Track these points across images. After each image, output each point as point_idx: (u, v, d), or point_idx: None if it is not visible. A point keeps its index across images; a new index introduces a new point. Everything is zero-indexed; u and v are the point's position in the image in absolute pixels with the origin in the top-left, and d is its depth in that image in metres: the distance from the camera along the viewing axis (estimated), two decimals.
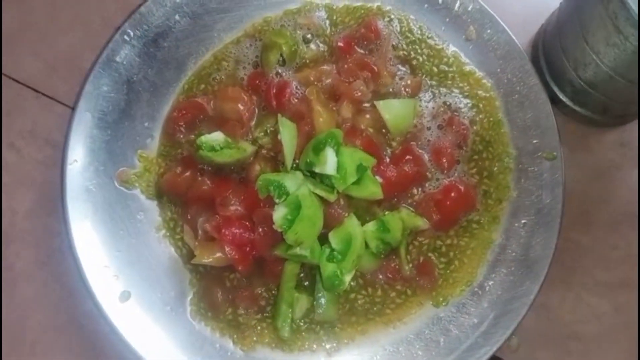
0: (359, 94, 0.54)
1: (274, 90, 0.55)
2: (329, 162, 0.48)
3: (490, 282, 0.52)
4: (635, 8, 0.41)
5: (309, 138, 0.51)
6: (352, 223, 0.50)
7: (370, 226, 0.51)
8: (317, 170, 0.49)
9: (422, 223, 0.52)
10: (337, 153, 0.49)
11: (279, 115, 0.51)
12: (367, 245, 0.50)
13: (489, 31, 0.56)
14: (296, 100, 0.54)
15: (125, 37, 0.54)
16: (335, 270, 0.48)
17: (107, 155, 0.52)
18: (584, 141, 0.59)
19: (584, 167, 0.58)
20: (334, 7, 0.58)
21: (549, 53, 0.56)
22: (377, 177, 0.52)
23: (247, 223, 0.50)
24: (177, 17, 0.56)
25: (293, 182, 0.49)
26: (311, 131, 0.51)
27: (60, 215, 0.49)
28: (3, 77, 0.58)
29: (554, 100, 0.56)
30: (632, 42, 0.43)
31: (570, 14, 0.51)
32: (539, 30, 0.59)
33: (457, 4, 0.57)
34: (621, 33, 0.44)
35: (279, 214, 0.47)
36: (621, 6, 0.42)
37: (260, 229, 0.49)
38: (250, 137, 0.54)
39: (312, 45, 0.58)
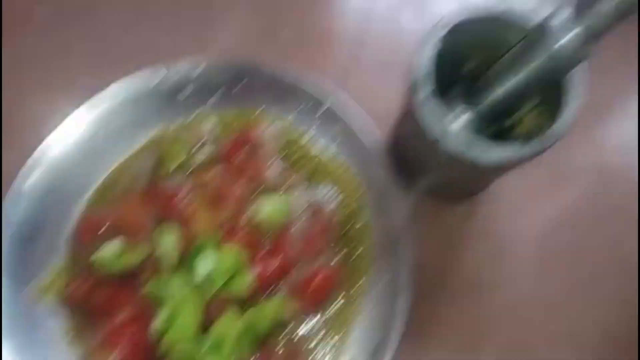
0: (239, 194, 0.62)
1: (167, 198, 0.62)
2: (206, 264, 0.56)
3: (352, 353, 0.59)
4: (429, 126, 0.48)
5: (191, 242, 0.58)
6: (227, 319, 0.56)
7: (246, 316, 0.57)
8: (196, 272, 0.56)
9: (293, 308, 0.59)
10: (215, 255, 0.57)
11: (163, 222, 0.58)
12: (244, 334, 0.56)
13: (353, 128, 0.64)
14: (183, 207, 0.61)
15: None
16: None
17: (16, 270, 0.58)
18: (434, 217, 0.66)
19: (435, 241, 0.65)
20: (222, 116, 0.67)
21: (400, 144, 0.64)
22: (254, 270, 0.58)
23: (139, 325, 0.56)
24: (78, 139, 0.64)
25: (173, 287, 0.56)
26: (194, 235, 0.58)
27: None
28: None
29: (407, 180, 0.63)
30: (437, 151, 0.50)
31: (407, 110, 0.58)
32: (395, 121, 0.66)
33: (323, 107, 0.64)
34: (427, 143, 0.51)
35: (157, 322, 0.54)
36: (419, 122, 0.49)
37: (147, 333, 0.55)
38: (146, 244, 0.60)
39: (203, 150, 0.66)
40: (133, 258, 0.58)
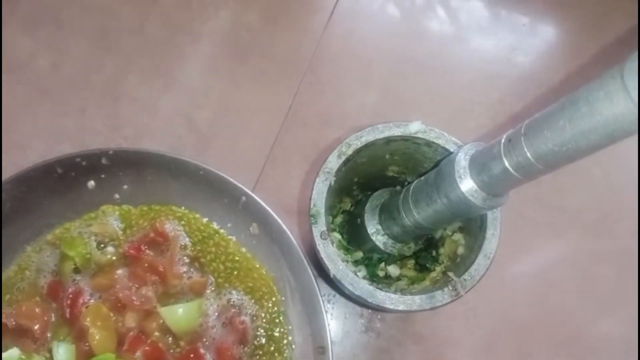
0: (142, 301, 0.58)
1: (68, 301, 0.58)
2: None
3: None
4: (330, 265, 0.47)
5: (89, 357, 0.55)
6: None
7: None
8: None
9: None
10: None
11: (62, 329, 0.56)
12: None
13: (269, 227, 0.60)
14: (85, 315, 0.57)
15: None
16: None
17: None
18: (368, 321, 0.63)
19: (367, 347, 0.62)
20: (130, 210, 0.63)
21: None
22: None
23: None
24: None
25: None
26: (90, 351, 0.55)
27: None
28: None
29: (334, 286, 0.61)
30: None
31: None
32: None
33: (240, 203, 0.61)
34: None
35: None
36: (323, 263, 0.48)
37: None
38: (46, 348, 0.58)
39: (108, 250, 0.62)
40: None
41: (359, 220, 0.55)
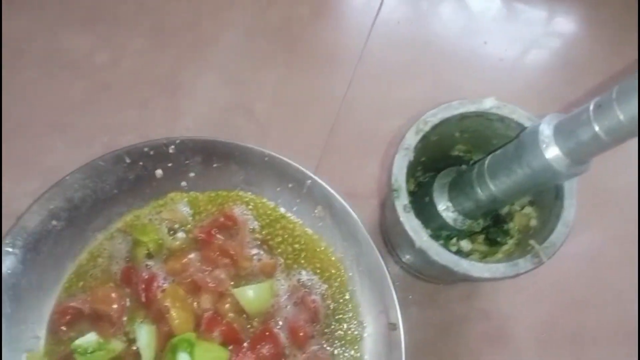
0: (217, 284, 0.59)
1: (143, 285, 0.60)
2: None
3: None
4: (414, 236, 0.48)
5: (169, 338, 0.56)
6: None
7: None
8: None
9: None
10: (192, 354, 0.54)
11: (138, 312, 0.57)
12: None
13: (334, 210, 0.62)
14: (161, 297, 0.58)
15: (8, 248, 0.59)
16: None
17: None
18: (432, 299, 0.64)
19: (432, 322, 0.63)
20: (198, 197, 0.65)
21: (387, 227, 0.62)
22: None
23: None
24: (53, 222, 0.61)
25: None
26: (170, 331, 0.56)
27: None
28: None
29: (401, 265, 0.63)
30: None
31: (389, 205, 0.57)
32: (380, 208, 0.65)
33: (305, 187, 0.62)
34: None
35: None
36: (405, 232, 0.49)
37: None
38: (123, 331, 0.59)
39: (178, 235, 0.63)
40: (108, 353, 0.57)
41: (427, 198, 0.57)
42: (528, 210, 0.53)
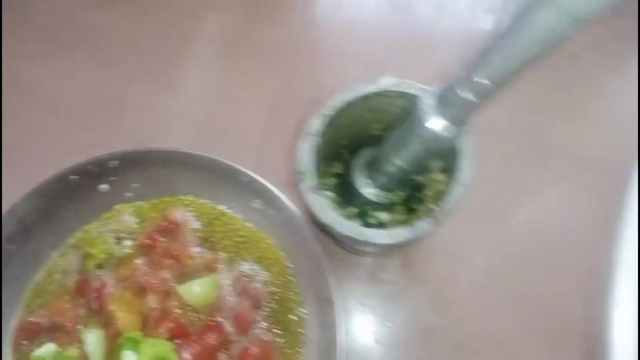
0: (160, 283, 0.62)
1: (94, 294, 0.63)
2: None
3: None
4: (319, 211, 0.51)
5: (116, 339, 0.59)
6: None
7: None
8: None
9: None
10: (137, 350, 0.57)
11: (83, 327, 0.60)
12: None
13: (271, 202, 0.65)
14: (109, 301, 0.62)
15: None
16: None
17: None
18: (370, 272, 0.67)
19: (374, 294, 0.66)
20: (142, 206, 0.68)
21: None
22: (185, 354, 0.59)
23: None
24: (10, 246, 0.65)
25: None
26: (117, 334, 0.59)
27: None
28: None
29: (340, 245, 0.66)
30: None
31: None
32: None
33: (243, 183, 0.65)
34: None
35: None
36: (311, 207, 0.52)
37: None
38: (79, 340, 0.62)
39: (126, 244, 0.67)
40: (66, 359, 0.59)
41: (348, 178, 0.59)
42: (440, 177, 0.55)
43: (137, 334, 0.57)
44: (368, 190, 0.58)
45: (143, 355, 0.57)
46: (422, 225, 0.48)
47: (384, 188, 0.57)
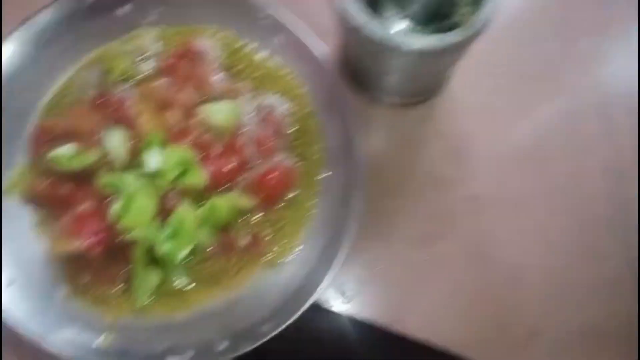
0: (185, 100, 0.63)
1: (114, 106, 0.63)
2: (152, 161, 0.58)
3: (311, 244, 0.62)
4: (352, 13, 0.51)
5: (140, 141, 0.60)
6: (183, 209, 0.58)
7: (202, 209, 0.59)
8: (146, 167, 0.58)
9: (248, 202, 0.61)
10: (161, 152, 0.58)
11: (108, 126, 0.60)
12: (202, 224, 0.59)
13: (295, 38, 0.66)
14: (131, 112, 0.62)
15: None
16: (170, 248, 0.57)
17: None
18: (390, 121, 0.69)
19: (392, 143, 0.68)
20: (164, 31, 0.68)
21: (345, 52, 0.66)
22: (207, 168, 0.60)
23: (98, 216, 0.58)
24: (29, 51, 0.65)
25: (127, 181, 0.58)
26: (141, 135, 0.60)
27: None
28: None
29: (359, 88, 0.67)
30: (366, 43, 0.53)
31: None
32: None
33: (268, 17, 0.66)
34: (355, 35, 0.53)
35: (114, 207, 0.56)
36: (343, 13, 0.52)
37: (109, 220, 0.57)
38: (99, 146, 0.62)
39: (146, 65, 0.67)
40: (86, 159, 0.60)
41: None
42: (470, 14, 0.56)
43: (162, 136, 0.57)
44: (398, 25, 0.59)
45: (168, 157, 0.58)
46: (453, 35, 0.50)
47: (414, 19, 0.58)
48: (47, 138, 0.63)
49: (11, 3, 0.70)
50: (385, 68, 0.60)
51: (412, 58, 0.54)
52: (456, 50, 0.53)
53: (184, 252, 0.58)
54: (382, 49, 0.52)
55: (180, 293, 0.60)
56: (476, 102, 0.70)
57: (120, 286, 0.60)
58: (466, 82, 0.70)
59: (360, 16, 0.51)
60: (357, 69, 0.65)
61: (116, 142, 0.59)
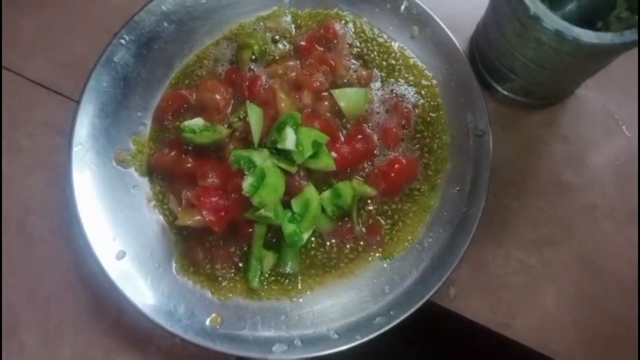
0: (318, 84, 0.63)
1: (247, 83, 0.64)
2: (288, 139, 0.57)
3: (429, 240, 0.61)
4: (530, 3, 0.50)
5: (273, 120, 0.60)
6: (310, 190, 0.59)
7: (326, 193, 0.59)
8: (279, 146, 0.58)
9: (370, 191, 0.61)
10: (296, 132, 0.58)
11: (248, 101, 0.60)
12: (323, 209, 0.59)
13: (429, 29, 0.65)
14: (264, 90, 0.63)
15: (122, 41, 0.64)
16: (295, 229, 0.57)
17: (106, 140, 0.62)
18: (514, 122, 0.67)
19: (514, 144, 0.66)
20: (299, 13, 0.68)
21: (480, 46, 0.65)
22: (333, 153, 0.60)
23: (222, 192, 0.58)
24: (165, 23, 0.66)
25: (259, 157, 0.58)
26: (275, 114, 0.60)
27: (68, 190, 0.59)
28: (24, 79, 0.70)
29: (486, 86, 0.66)
30: (532, 33, 0.52)
31: (491, 11, 0.61)
32: (476, 27, 0.69)
33: (402, 7, 0.66)
34: (523, 26, 0.53)
35: (247, 182, 0.56)
36: (519, 2, 0.51)
37: (233, 196, 0.57)
38: (226, 122, 0.63)
39: (280, 45, 0.67)
40: (217, 133, 0.61)
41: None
42: (621, 20, 0.55)
43: (297, 114, 0.59)
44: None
45: (304, 136, 0.58)
46: (631, 34, 0.48)
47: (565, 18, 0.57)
48: (173, 108, 0.64)
49: None
50: (536, 64, 0.58)
51: (573, 55, 0.53)
52: (622, 51, 0.52)
53: (307, 234, 0.58)
54: (553, 41, 0.51)
55: (291, 277, 0.60)
56: (602, 111, 0.69)
57: (233, 265, 0.60)
58: (592, 90, 0.68)
59: (538, 6, 0.50)
60: (490, 67, 0.64)
61: (256, 118, 0.59)
